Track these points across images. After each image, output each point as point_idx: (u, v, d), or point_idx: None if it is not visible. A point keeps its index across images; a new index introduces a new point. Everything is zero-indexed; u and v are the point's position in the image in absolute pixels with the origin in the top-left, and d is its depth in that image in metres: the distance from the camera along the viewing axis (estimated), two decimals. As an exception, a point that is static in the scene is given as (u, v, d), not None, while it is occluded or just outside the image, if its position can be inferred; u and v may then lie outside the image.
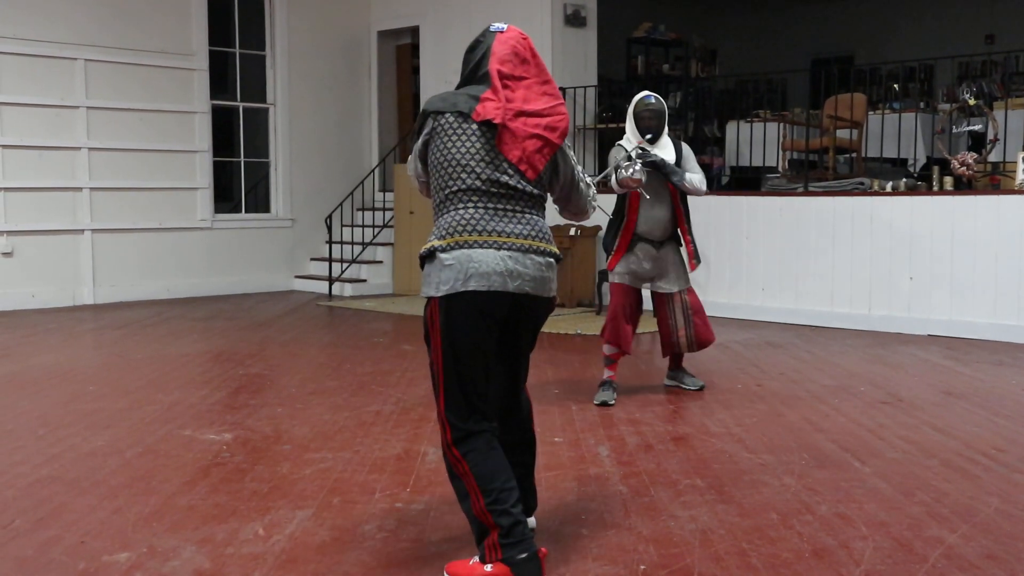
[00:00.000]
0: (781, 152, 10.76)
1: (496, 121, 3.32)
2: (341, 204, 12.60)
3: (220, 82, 12.56)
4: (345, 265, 12.20)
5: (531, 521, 3.61)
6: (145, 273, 11.46)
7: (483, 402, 3.35)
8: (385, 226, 12.58)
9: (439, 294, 3.28)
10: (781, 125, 11.03)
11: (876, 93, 13.42)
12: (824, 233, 9.27)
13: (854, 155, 10.80)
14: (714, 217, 9.96)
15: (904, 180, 9.33)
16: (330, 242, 12.16)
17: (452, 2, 12.25)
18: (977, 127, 9.67)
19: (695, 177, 6.08)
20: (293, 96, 12.75)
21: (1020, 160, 8.48)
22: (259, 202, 13.24)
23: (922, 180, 9.64)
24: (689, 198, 6.26)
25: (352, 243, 12.53)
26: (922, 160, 10.52)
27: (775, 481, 4.43)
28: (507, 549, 3.17)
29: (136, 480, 4.43)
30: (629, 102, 6.21)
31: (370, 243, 12.48)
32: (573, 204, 3.66)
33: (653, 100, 6.08)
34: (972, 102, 9.83)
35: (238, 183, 12.82)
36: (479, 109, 3.33)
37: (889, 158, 10.86)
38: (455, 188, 3.34)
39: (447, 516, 3.93)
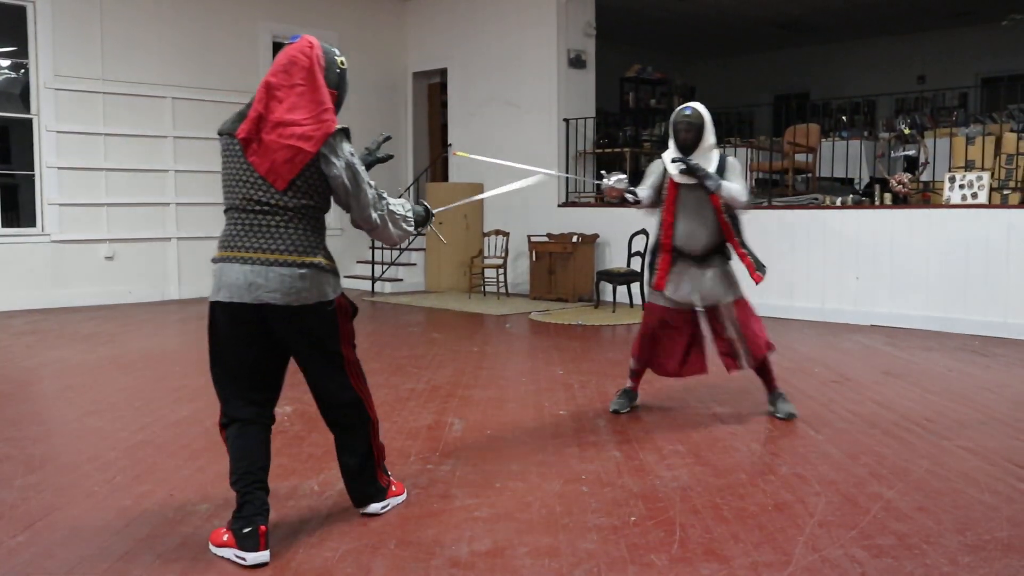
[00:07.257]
0: (749, 172, 10.71)
1: (239, 137, 2.95)
2: (383, 216, 12.56)
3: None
4: (385, 267, 12.20)
5: (374, 507, 3.40)
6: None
7: (244, 395, 3.14)
8: (419, 234, 12.50)
9: (210, 299, 3.12)
10: (749, 150, 10.98)
11: (828, 124, 13.35)
12: (784, 240, 9.22)
13: (810, 175, 10.73)
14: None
15: (851, 196, 9.27)
16: (372, 247, 12.17)
17: (476, 47, 12.25)
18: (911, 152, 9.61)
19: (733, 186, 4.77)
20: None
21: (947, 180, 8.42)
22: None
23: (866, 196, 9.59)
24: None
25: (391, 248, 12.52)
26: (866, 179, 10.46)
27: (744, 447, 4.42)
28: (235, 522, 3.01)
29: (213, 445, 4.41)
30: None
31: (406, 248, 12.47)
32: (365, 222, 3.16)
33: (689, 111, 4.85)
34: (907, 131, 9.76)
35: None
36: (241, 127, 2.97)
37: (838, 177, 10.78)
38: (225, 207, 3.08)
39: (471, 475, 3.93)
